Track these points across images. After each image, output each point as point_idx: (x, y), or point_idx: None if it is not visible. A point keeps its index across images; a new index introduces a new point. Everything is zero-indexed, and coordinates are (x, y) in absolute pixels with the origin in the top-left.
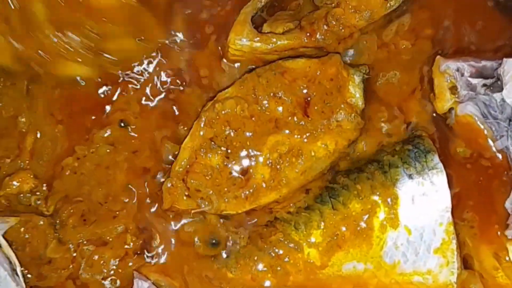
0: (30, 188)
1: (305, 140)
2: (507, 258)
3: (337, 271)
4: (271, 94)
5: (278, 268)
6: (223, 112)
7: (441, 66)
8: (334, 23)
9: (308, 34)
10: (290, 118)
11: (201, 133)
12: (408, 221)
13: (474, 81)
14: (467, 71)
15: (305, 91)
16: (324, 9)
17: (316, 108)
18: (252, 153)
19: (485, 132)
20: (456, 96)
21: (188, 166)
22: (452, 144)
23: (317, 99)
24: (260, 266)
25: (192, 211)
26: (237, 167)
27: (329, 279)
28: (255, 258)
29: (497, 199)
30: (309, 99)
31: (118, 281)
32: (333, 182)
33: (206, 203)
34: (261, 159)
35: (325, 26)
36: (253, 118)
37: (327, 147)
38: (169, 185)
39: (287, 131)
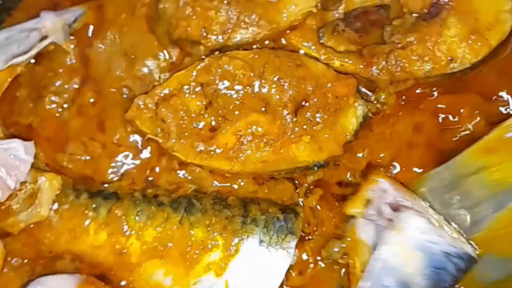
0: None
1: (283, 135)
2: None
3: (145, 275)
4: (277, 78)
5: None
6: (225, 66)
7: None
8: (394, 63)
9: (365, 63)
10: (280, 108)
11: (194, 73)
12: (231, 278)
13: (386, 210)
14: (390, 197)
15: (308, 93)
16: (389, 46)
17: (308, 113)
18: (229, 118)
19: None
20: (364, 210)
21: (166, 95)
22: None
23: (313, 107)
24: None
25: (147, 135)
26: (209, 121)
27: (134, 276)
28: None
29: None
30: (306, 103)
31: None
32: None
33: (163, 135)
34: (234, 127)
35: (384, 62)
36: (248, 89)
37: (295, 154)
38: (140, 102)
39: (271, 118)
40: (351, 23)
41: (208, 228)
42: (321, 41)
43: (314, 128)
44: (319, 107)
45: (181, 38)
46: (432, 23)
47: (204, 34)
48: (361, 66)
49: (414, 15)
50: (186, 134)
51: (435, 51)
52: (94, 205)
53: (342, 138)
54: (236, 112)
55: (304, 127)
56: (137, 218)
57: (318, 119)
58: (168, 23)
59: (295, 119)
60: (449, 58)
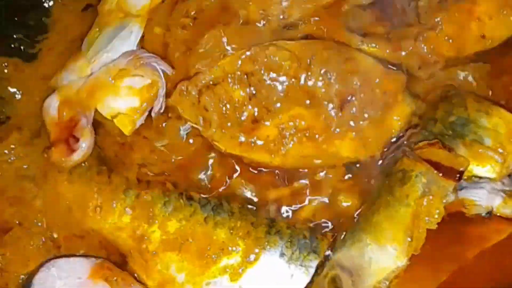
0: None
1: (326, 130)
2: None
3: (161, 267)
4: (324, 71)
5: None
6: (272, 57)
7: None
8: (423, 45)
9: (392, 48)
10: (326, 102)
11: (239, 62)
12: (246, 286)
13: None
14: None
15: (355, 87)
16: (417, 27)
17: (353, 109)
18: (272, 110)
19: None
20: None
21: (211, 83)
22: None
23: (360, 102)
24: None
25: (188, 123)
26: (252, 113)
27: (150, 266)
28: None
29: None
30: (353, 98)
31: None
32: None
33: (205, 124)
34: (277, 120)
35: (412, 46)
36: (293, 81)
37: (338, 150)
38: (184, 87)
39: (315, 112)
40: (375, 4)
41: (232, 231)
42: (347, 27)
43: (360, 124)
44: (366, 103)
45: None
46: (460, 0)
47: (263, 15)
48: (388, 51)
49: None
50: (228, 124)
51: (466, 30)
52: (124, 187)
53: (388, 136)
54: (280, 104)
55: (350, 123)
56: (164, 207)
57: (364, 116)
58: None
59: (340, 114)
60: (481, 35)
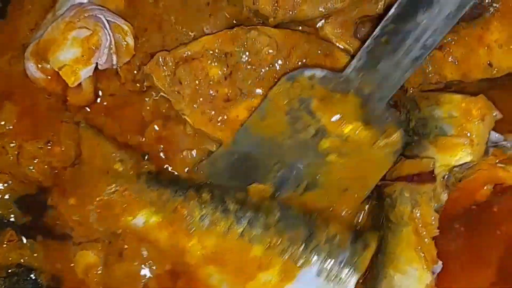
0: None
1: None
2: None
3: (203, 276)
4: (302, 62)
5: None
6: (252, 40)
7: None
8: (429, 65)
9: None
10: None
11: (220, 40)
12: None
13: None
14: None
15: None
16: None
17: None
18: (246, 92)
19: None
20: None
21: (188, 57)
22: None
23: None
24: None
25: (161, 93)
26: (225, 91)
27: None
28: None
29: None
30: None
31: None
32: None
33: (177, 96)
34: (248, 102)
35: None
36: (270, 67)
37: None
38: (161, 58)
39: None
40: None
41: (268, 247)
42: (357, 35)
43: None
44: None
45: (249, 16)
46: (472, 24)
47: (276, 8)
48: None
49: None
50: (200, 99)
51: (474, 55)
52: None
53: None
54: (254, 88)
55: None
56: (201, 221)
57: None
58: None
59: None
60: (488, 62)
